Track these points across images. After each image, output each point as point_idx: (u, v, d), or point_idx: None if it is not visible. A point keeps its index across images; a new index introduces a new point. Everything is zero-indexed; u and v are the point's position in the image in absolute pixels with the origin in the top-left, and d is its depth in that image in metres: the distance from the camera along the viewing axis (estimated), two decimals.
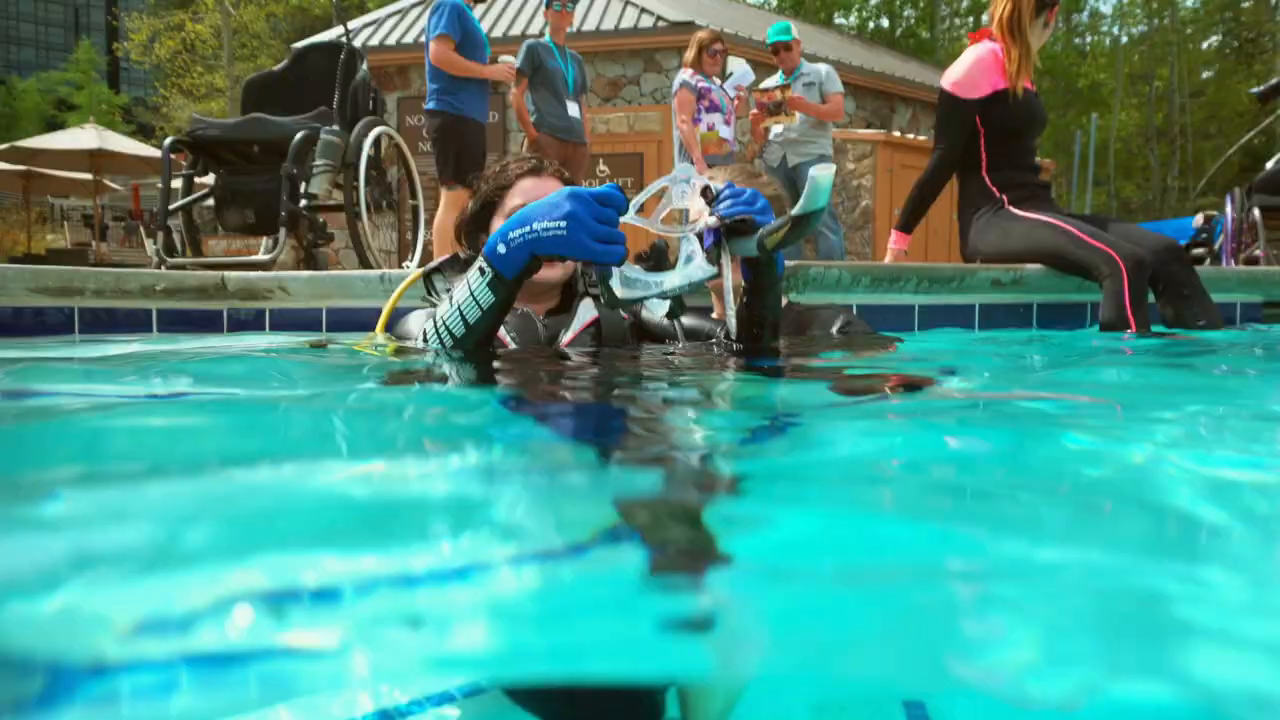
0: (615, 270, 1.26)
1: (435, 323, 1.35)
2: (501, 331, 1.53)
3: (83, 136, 12.99)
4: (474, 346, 1.34)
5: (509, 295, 1.28)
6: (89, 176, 13.78)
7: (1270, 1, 26.63)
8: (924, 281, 2.28)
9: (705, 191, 1.33)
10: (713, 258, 1.28)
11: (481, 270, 1.27)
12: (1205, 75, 25.25)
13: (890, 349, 1.76)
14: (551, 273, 1.55)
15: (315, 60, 3.65)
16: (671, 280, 1.29)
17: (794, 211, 1.17)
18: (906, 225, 2.84)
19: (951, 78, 2.66)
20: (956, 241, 2.81)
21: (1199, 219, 8.15)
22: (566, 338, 1.55)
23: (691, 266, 1.30)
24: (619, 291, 1.27)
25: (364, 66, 3.65)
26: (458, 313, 1.32)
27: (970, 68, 2.63)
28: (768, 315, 1.39)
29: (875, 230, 9.89)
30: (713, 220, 1.26)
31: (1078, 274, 2.35)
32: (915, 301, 2.30)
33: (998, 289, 2.37)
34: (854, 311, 1.96)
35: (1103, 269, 2.24)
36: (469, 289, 1.30)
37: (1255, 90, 3.91)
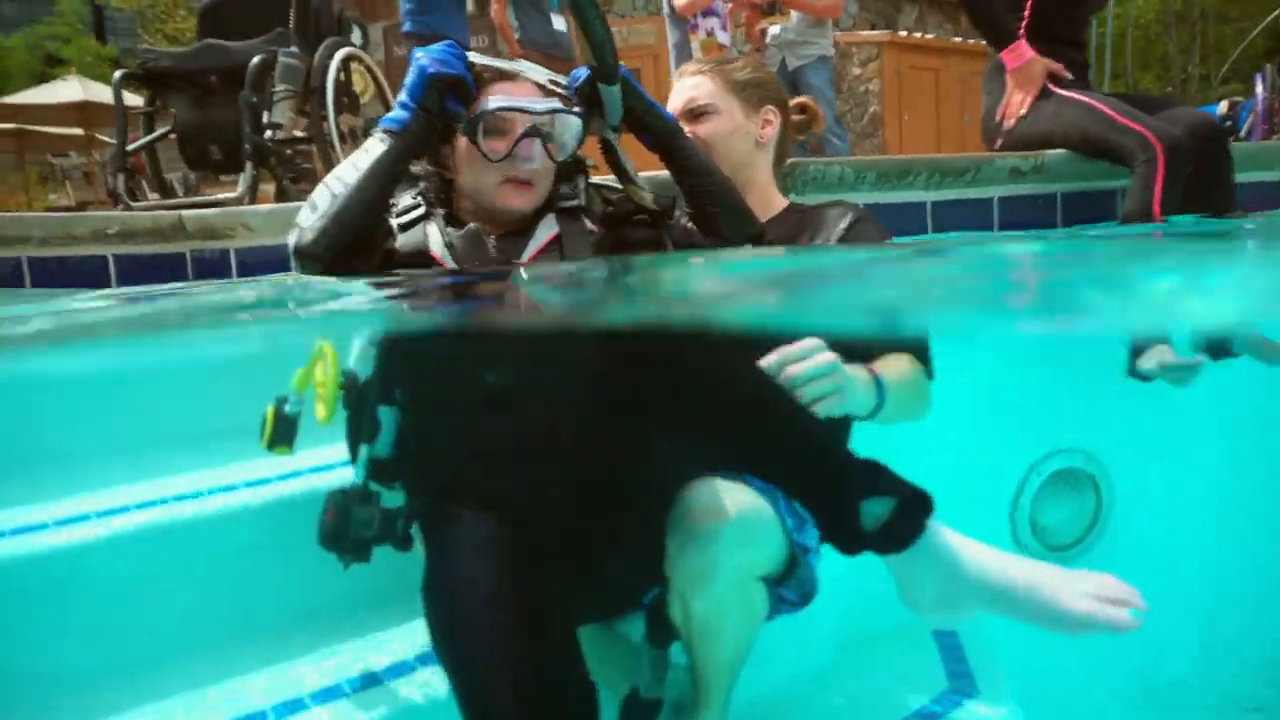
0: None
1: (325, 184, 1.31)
2: (437, 248, 1.36)
3: (66, 89, 12.69)
4: (361, 209, 1.30)
5: (409, 139, 1.32)
6: (79, 131, 13.50)
7: None
8: (935, 175, 2.07)
9: None
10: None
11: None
12: None
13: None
14: (519, 199, 1.37)
15: None
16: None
17: None
18: (1014, 35, 2.38)
19: None
20: (968, 141, 2.54)
21: (1223, 105, 7.79)
22: (525, 257, 1.38)
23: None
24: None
25: None
26: (350, 164, 1.31)
27: None
28: (698, 180, 1.42)
29: (884, 138, 9.50)
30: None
31: (1108, 159, 2.13)
32: (927, 198, 2.10)
33: (1017, 179, 2.16)
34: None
35: (1137, 153, 2.02)
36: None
37: None
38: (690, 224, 1.49)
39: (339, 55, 3.21)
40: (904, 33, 10.72)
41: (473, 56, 1.37)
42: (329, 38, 3.27)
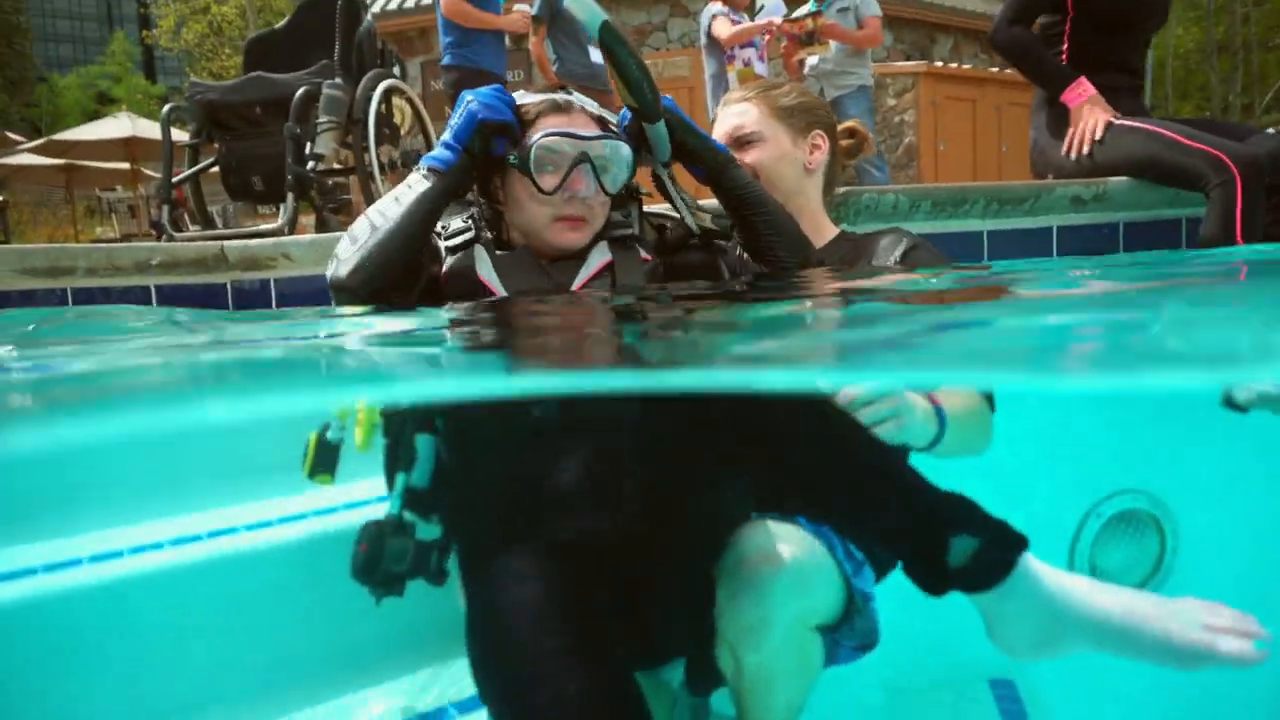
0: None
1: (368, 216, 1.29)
2: (486, 273, 1.32)
3: (115, 125, 13.03)
4: (401, 244, 1.27)
5: (452, 179, 1.30)
6: (125, 166, 13.84)
7: None
8: (993, 203, 2.00)
9: None
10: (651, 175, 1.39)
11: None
12: None
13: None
14: (572, 235, 1.32)
15: (316, 14, 3.43)
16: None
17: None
18: (1071, 75, 2.29)
19: None
20: (1005, 170, 2.46)
21: (1272, 134, 7.62)
22: (576, 284, 1.33)
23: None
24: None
25: (368, 17, 3.43)
26: (392, 198, 1.29)
27: None
28: (752, 211, 1.38)
29: (919, 168, 9.42)
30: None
31: (1177, 185, 2.03)
32: (983, 228, 2.02)
33: (1078, 208, 2.08)
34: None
35: (1210, 176, 1.92)
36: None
37: None
38: (745, 254, 1.43)
39: (381, 87, 3.22)
40: (939, 63, 10.67)
41: (523, 96, 1.34)
42: (372, 70, 3.29)
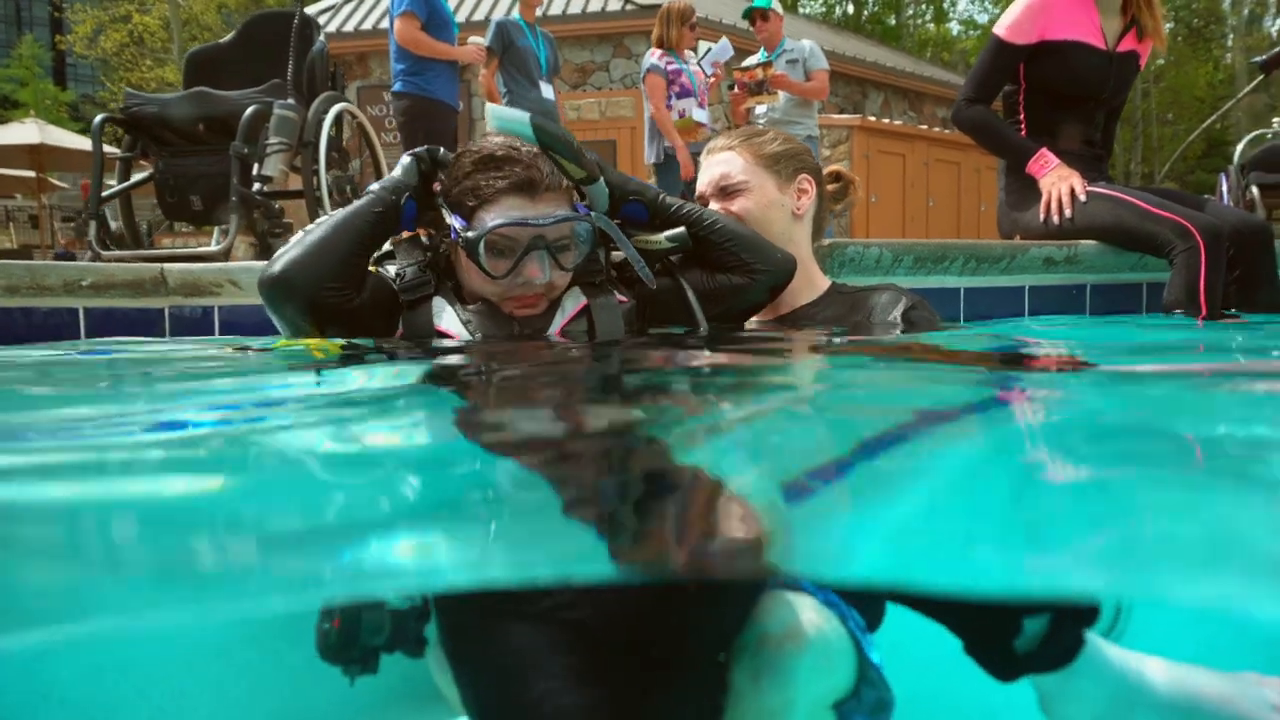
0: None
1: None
2: (451, 324, 1.26)
3: (22, 131, 12.32)
4: (342, 244, 1.24)
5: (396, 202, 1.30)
6: (31, 174, 13.10)
7: None
8: (971, 261, 2.01)
9: None
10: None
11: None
12: (1160, 62, 25.41)
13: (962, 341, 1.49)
14: (528, 311, 1.28)
15: (265, 31, 3.29)
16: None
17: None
18: (1033, 148, 2.34)
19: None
20: (932, 224, 2.51)
21: (1230, 207, 8.04)
22: (553, 331, 1.29)
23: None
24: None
25: (321, 38, 3.31)
26: (330, 214, 1.31)
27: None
28: (701, 228, 1.37)
29: (851, 219, 9.67)
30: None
31: (1141, 250, 2.08)
32: (961, 284, 2.03)
33: (1050, 268, 2.11)
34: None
35: (1175, 242, 1.98)
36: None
37: (1258, 60, 3.70)
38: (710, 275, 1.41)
39: (334, 110, 3.09)
40: (872, 118, 11.03)
41: (486, 143, 1.32)
42: (323, 91, 3.16)
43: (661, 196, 1.41)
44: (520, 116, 1.27)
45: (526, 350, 1.26)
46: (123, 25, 21.64)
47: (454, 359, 1.23)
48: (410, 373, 1.17)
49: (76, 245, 15.15)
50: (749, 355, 1.33)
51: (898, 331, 1.44)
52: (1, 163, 12.95)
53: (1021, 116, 2.41)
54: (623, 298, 1.36)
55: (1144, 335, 1.68)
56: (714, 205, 1.55)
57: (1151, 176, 22.17)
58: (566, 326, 1.31)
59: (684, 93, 5.00)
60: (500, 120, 1.30)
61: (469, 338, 1.27)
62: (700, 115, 5.07)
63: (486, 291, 1.28)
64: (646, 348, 1.33)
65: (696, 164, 4.95)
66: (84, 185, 10.85)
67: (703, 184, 1.58)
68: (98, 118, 2.98)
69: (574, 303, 1.31)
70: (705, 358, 1.28)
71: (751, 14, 5.06)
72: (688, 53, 5.07)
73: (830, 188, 1.70)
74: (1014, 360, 1.18)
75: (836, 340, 1.40)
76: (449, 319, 1.27)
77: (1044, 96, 2.35)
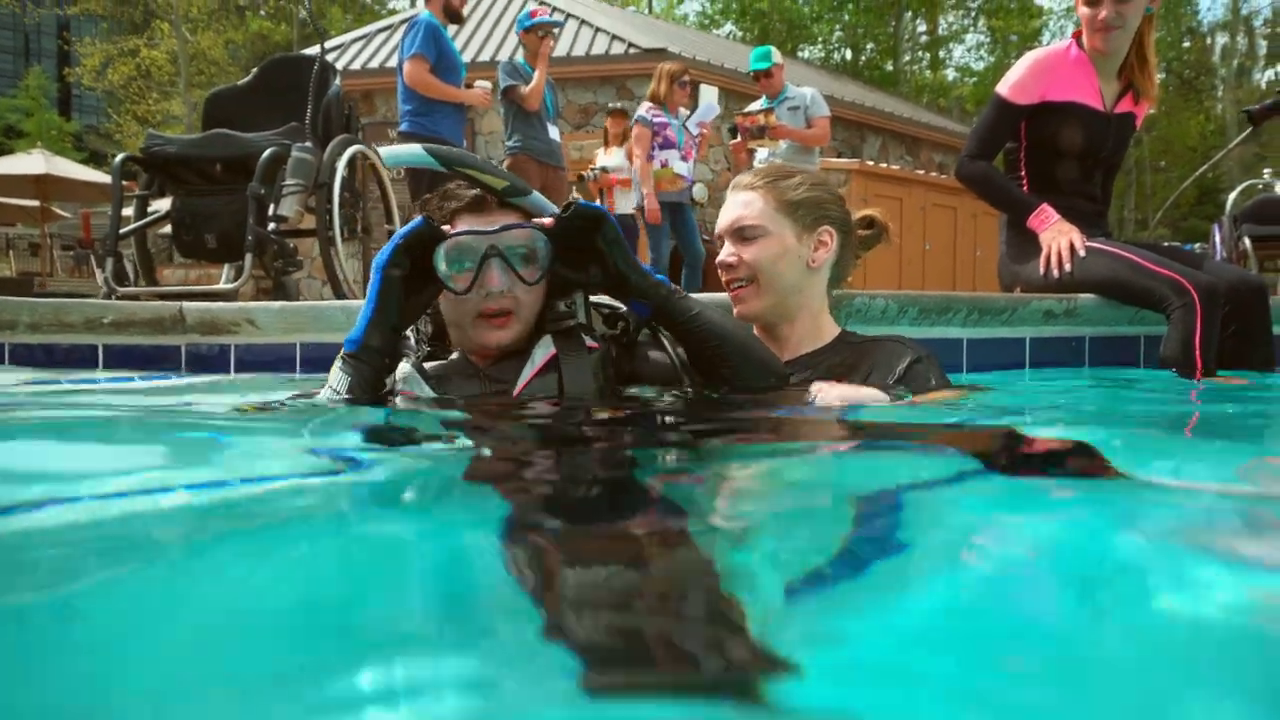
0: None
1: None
2: (413, 385, 1.30)
3: (28, 161, 12.44)
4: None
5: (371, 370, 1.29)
6: (35, 203, 13.20)
7: (1207, 42, 27.56)
8: (974, 312, 2.06)
9: None
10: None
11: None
12: (1152, 111, 25.87)
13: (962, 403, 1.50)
14: (498, 334, 1.32)
15: (284, 74, 3.37)
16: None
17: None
18: (1034, 203, 2.40)
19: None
20: (928, 269, 2.56)
21: (1228, 264, 8.14)
22: (521, 382, 1.32)
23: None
24: None
25: (337, 81, 3.39)
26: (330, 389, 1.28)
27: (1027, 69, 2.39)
28: (697, 342, 1.36)
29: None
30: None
31: (1139, 304, 2.14)
32: (964, 335, 2.07)
33: (1050, 321, 2.16)
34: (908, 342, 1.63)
35: (1172, 299, 2.03)
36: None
37: (1248, 110, 3.78)
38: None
39: (349, 152, 3.16)
40: (870, 161, 11.19)
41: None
42: (339, 134, 3.23)
43: (670, 300, 1.36)
44: (414, 149, 1.32)
45: (485, 415, 1.27)
46: (130, 59, 21.92)
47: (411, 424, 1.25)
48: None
49: (76, 274, 15.20)
50: (706, 437, 1.19)
51: (893, 381, 1.44)
52: (7, 192, 13.06)
53: (1023, 172, 2.48)
54: (593, 343, 1.36)
55: (1133, 407, 1.68)
56: (729, 247, 1.53)
57: (1145, 223, 22.44)
58: (534, 379, 1.32)
59: (667, 144, 5.26)
60: (394, 158, 1.38)
61: (431, 395, 1.30)
62: (681, 168, 5.27)
63: (462, 316, 1.32)
64: (609, 424, 1.28)
65: (669, 211, 5.17)
66: (85, 215, 10.91)
67: (721, 223, 1.55)
68: (118, 157, 3.04)
69: (543, 353, 1.32)
70: (669, 436, 1.20)
71: (756, 74, 5.28)
72: (681, 110, 5.31)
73: (861, 234, 1.66)
74: (993, 452, 1.09)
75: (810, 415, 1.28)
76: (416, 386, 1.30)
77: (1044, 153, 2.43)
